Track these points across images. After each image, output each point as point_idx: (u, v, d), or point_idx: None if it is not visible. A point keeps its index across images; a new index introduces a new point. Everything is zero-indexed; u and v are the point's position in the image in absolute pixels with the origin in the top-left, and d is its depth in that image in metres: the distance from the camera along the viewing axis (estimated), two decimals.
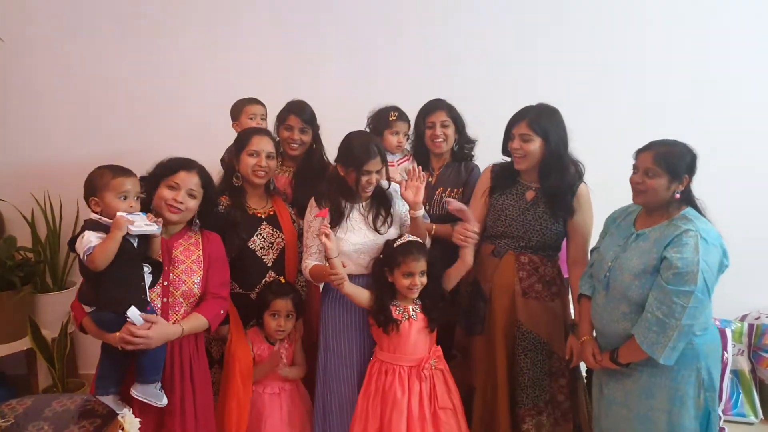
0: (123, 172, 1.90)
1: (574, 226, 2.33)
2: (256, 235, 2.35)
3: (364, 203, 2.33)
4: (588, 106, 3.20)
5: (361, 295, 2.23)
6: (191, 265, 2.07)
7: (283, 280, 2.39)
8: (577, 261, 2.35)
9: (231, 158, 2.47)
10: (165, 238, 2.06)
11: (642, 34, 3.29)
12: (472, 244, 2.23)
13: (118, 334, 1.85)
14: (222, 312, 2.13)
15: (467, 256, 2.25)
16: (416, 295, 2.22)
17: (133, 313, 1.83)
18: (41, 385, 3.25)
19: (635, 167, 1.99)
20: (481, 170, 2.64)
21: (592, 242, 2.36)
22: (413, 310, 2.23)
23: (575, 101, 3.16)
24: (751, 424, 3.17)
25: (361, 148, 2.21)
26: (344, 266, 2.16)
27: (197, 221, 2.15)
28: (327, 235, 2.06)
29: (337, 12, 3.37)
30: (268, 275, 2.38)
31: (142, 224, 1.85)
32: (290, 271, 2.44)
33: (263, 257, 2.37)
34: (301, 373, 2.46)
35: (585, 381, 2.52)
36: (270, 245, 2.38)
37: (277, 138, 2.70)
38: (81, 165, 3.35)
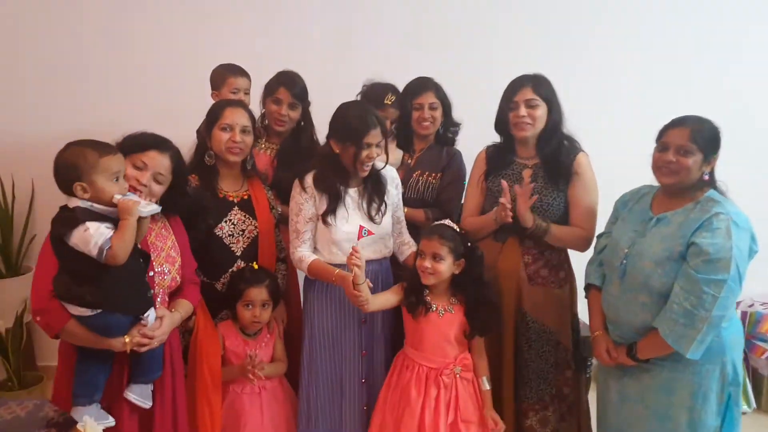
0: (108, 149, 1.63)
1: (575, 195, 2.18)
2: (225, 221, 2.15)
3: (358, 188, 2.16)
4: (589, 100, 3.10)
5: (388, 300, 2.06)
6: (169, 252, 1.88)
7: (256, 266, 2.19)
8: (579, 225, 2.18)
9: (203, 133, 2.22)
10: None
11: (643, 31, 3.22)
12: None
13: (126, 338, 1.65)
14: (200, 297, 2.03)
15: None
16: (429, 281, 2.01)
17: (152, 315, 1.69)
18: None
19: (664, 144, 1.82)
20: (464, 157, 2.54)
21: (599, 228, 2.20)
22: (445, 308, 2.04)
23: (577, 92, 3.07)
24: (744, 413, 3.12)
25: (358, 119, 2.04)
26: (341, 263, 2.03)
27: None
28: (357, 261, 1.87)
29: None
30: (236, 265, 2.19)
31: (144, 205, 1.63)
32: (266, 260, 2.25)
33: (231, 245, 2.17)
34: (282, 369, 2.29)
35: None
36: (240, 233, 2.18)
37: (262, 110, 2.50)
38: (35, 142, 3.16)
